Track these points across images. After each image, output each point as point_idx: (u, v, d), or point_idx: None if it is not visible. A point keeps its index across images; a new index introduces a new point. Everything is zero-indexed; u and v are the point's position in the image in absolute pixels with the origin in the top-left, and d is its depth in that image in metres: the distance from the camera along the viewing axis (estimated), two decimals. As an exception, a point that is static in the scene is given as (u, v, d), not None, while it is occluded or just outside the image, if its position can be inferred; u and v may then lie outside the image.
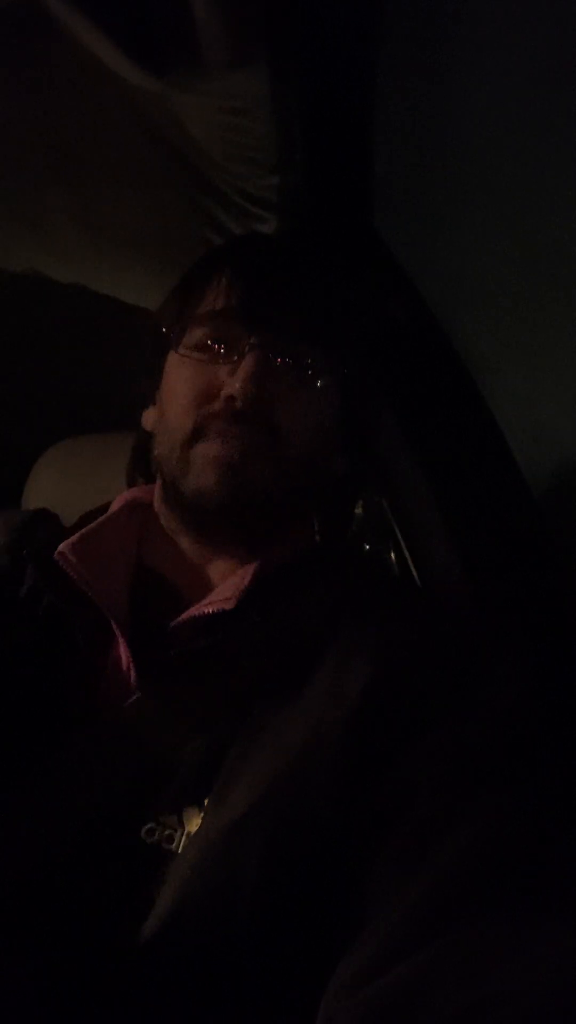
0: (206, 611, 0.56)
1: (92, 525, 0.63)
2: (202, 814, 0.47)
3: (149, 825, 0.48)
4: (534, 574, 0.68)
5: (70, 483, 0.95)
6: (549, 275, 0.59)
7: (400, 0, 0.59)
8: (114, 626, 0.56)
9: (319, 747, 0.47)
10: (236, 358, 0.59)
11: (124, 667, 0.56)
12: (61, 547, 0.59)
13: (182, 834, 0.47)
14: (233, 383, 0.58)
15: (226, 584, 0.59)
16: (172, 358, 0.64)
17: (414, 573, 0.76)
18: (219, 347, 0.61)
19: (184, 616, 0.57)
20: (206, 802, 0.48)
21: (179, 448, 0.60)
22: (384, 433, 0.75)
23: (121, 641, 0.56)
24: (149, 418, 0.68)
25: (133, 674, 0.55)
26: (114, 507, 0.67)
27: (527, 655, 0.52)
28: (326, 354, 0.61)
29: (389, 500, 0.78)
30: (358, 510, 0.88)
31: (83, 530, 0.62)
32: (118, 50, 0.57)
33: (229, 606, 0.55)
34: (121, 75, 0.59)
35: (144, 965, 0.43)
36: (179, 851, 0.46)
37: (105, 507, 0.67)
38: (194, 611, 0.57)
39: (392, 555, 0.80)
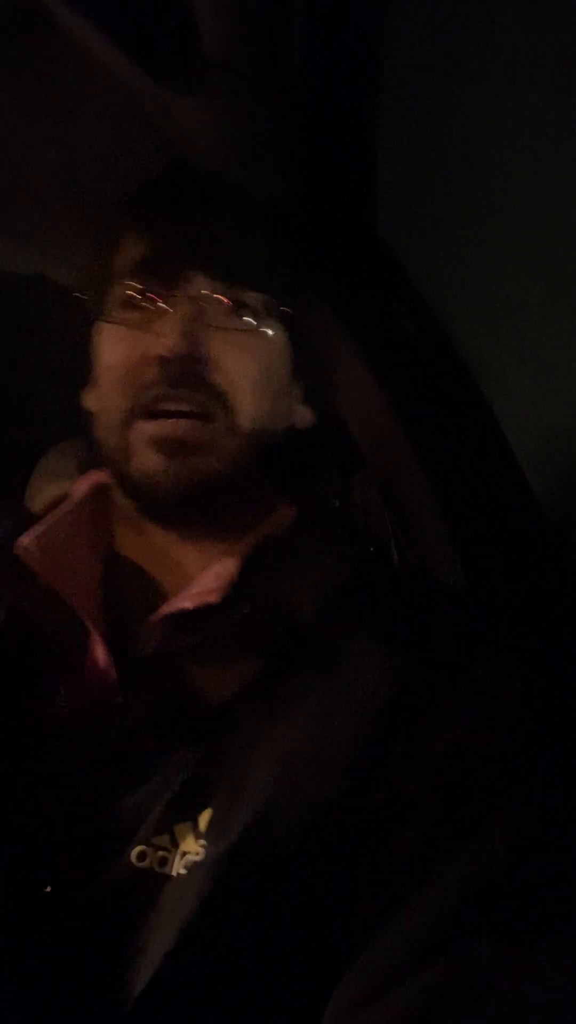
0: (186, 606, 0.51)
1: (56, 514, 0.57)
2: (199, 833, 0.44)
3: (140, 848, 0.44)
4: (537, 577, 0.68)
5: (72, 485, 0.95)
6: (553, 279, 0.59)
7: (404, 2, 0.59)
8: (88, 624, 0.52)
9: (326, 761, 0.44)
10: (163, 313, 0.54)
11: (102, 668, 0.51)
12: (22, 540, 0.54)
13: (175, 854, 0.43)
14: (163, 341, 0.52)
15: (207, 574, 0.53)
16: (99, 328, 0.58)
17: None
18: (143, 304, 0.54)
19: (166, 612, 0.52)
20: (202, 819, 0.44)
21: (117, 429, 0.54)
22: (387, 436, 0.74)
23: (97, 639, 0.51)
24: (90, 398, 0.61)
25: (114, 675, 0.50)
26: (77, 492, 0.60)
27: (531, 661, 0.51)
28: (262, 295, 0.55)
29: (391, 503, 0.77)
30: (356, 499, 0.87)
31: (47, 520, 0.56)
32: (119, 52, 0.57)
33: (214, 599, 0.50)
34: (123, 77, 0.59)
35: (147, 994, 0.40)
36: (174, 874, 0.43)
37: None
38: (177, 606, 0.51)
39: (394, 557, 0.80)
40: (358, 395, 0.73)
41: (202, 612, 0.51)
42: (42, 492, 1.00)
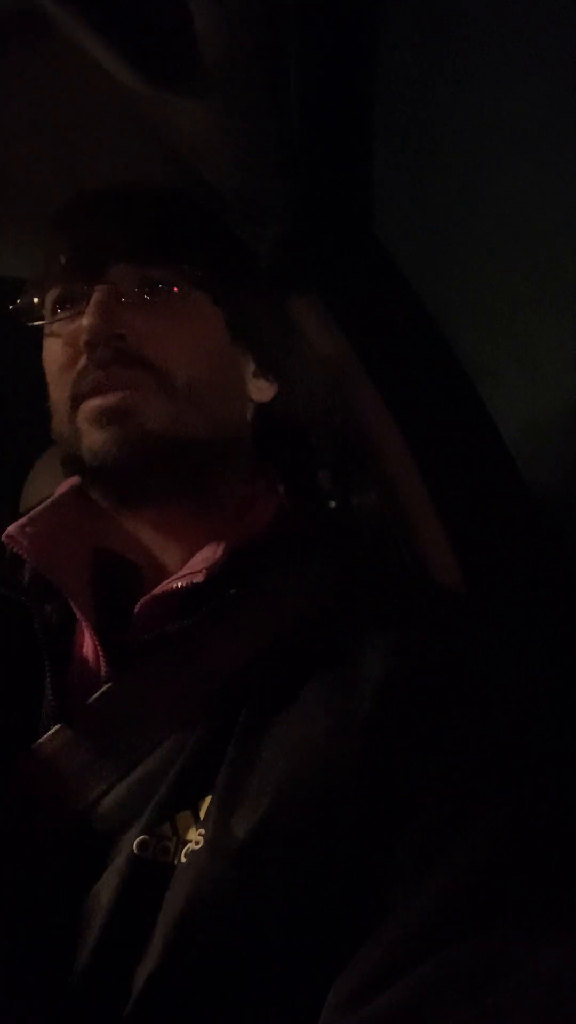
0: (175, 586, 0.52)
1: (37, 508, 0.59)
2: (200, 821, 0.44)
3: (142, 838, 0.43)
4: (531, 572, 0.69)
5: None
6: (550, 280, 0.60)
7: (401, 2, 0.59)
8: (76, 610, 0.52)
9: (339, 749, 0.44)
10: (85, 306, 0.56)
11: (91, 656, 0.52)
12: (9, 529, 0.56)
13: (177, 844, 0.43)
14: (85, 327, 0.54)
15: (196, 558, 0.54)
16: (43, 345, 0.61)
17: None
18: (68, 307, 0.58)
19: (152, 593, 0.53)
20: (204, 805, 0.44)
21: (67, 420, 0.57)
22: (383, 437, 0.75)
23: (86, 626, 0.52)
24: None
25: (102, 663, 0.51)
26: (59, 491, 0.63)
27: (535, 660, 0.51)
28: (177, 270, 0.57)
29: (388, 504, 0.78)
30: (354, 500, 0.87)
31: (30, 513, 0.58)
32: (118, 54, 0.57)
33: (199, 579, 0.51)
34: (121, 79, 0.59)
35: (150, 987, 0.40)
36: (177, 863, 0.43)
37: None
38: (163, 588, 0.52)
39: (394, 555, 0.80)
40: (352, 393, 0.73)
41: (190, 593, 0.51)
42: (40, 492, 1.01)
